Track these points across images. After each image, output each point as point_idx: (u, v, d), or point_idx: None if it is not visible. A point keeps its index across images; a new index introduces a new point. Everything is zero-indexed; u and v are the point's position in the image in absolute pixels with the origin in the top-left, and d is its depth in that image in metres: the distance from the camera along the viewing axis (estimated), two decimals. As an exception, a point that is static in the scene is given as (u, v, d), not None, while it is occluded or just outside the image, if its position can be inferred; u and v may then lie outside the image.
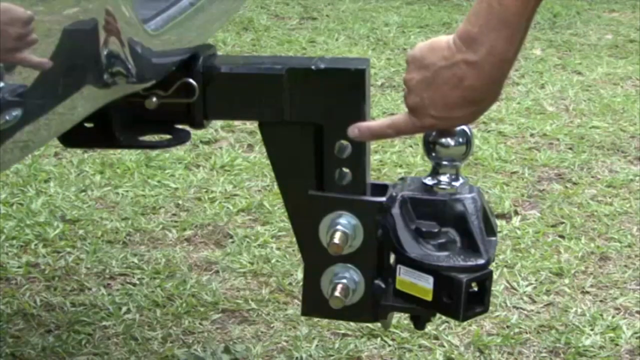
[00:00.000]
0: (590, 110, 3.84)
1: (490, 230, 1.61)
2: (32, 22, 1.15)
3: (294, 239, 1.74)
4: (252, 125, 3.47)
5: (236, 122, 3.53)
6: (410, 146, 3.41)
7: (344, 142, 1.61)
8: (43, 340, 2.28)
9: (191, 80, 1.61)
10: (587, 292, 2.54)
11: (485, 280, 1.56)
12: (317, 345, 2.28)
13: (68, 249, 2.69)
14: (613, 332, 2.36)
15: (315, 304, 1.67)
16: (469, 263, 1.54)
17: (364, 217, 1.60)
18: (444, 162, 1.60)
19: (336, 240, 1.58)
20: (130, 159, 3.23)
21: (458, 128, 1.57)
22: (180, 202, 2.98)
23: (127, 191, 3.03)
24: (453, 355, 2.26)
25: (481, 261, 1.55)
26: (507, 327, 2.37)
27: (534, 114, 3.80)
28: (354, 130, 1.56)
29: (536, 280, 2.58)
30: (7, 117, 1.15)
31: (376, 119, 1.56)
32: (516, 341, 2.32)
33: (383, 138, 1.51)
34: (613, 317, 2.42)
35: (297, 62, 1.65)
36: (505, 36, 1.37)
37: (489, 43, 1.37)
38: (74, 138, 1.65)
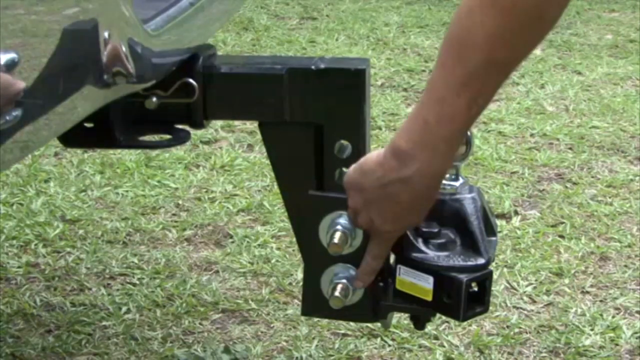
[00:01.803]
0: (590, 110, 3.84)
1: (490, 230, 1.61)
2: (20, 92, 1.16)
3: (294, 239, 1.74)
4: (252, 125, 3.47)
5: (236, 122, 3.53)
6: (410, 146, 3.40)
7: (344, 142, 1.61)
8: (43, 340, 2.28)
9: (191, 80, 1.61)
10: (587, 292, 2.54)
11: (485, 280, 1.56)
12: (317, 345, 2.28)
13: (68, 249, 2.69)
14: (613, 332, 2.36)
15: (315, 304, 1.67)
16: (469, 263, 1.54)
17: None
18: (444, 162, 1.60)
19: (336, 240, 1.58)
20: (130, 159, 3.23)
21: None
22: (180, 202, 2.98)
23: (127, 191, 3.03)
24: (453, 355, 2.26)
25: (481, 261, 1.55)
26: (507, 327, 2.37)
27: (534, 114, 3.80)
28: (358, 284, 1.61)
29: (536, 280, 2.58)
30: (7, 117, 1.15)
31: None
32: (516, 341, 2.32)
33: (376, 271, 1.57)
34: (613, 317, 2.42)
35: (297, 62, 1.65)
36: (442, 153, 1.39)
37: (423, 160, 1.39)
38: (74, 138, 1.66)
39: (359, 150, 1.61)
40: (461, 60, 1.32)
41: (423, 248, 1.56)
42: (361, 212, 1.51)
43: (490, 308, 1.79)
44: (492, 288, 1.68)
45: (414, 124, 1.38)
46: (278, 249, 2.70)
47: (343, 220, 1.59)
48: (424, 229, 1.56)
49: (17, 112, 1.16)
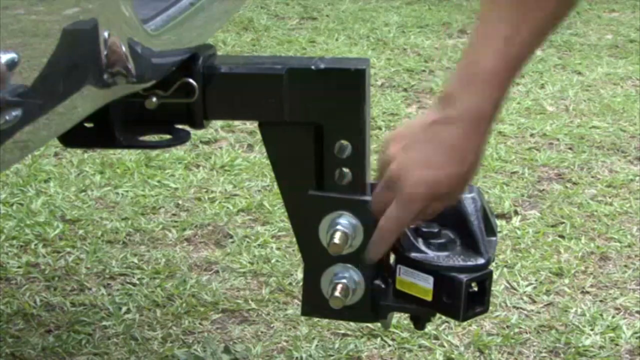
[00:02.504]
0: (590, 110, 3.84)
1: (490, 230, 1.61)
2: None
3: (294, 239, 1.74)
4: (252, 125, 3.47)
5: (236, 122, 3.54)
6: (410, 146, 3.40)
7: (344, 142, 1.61)
8: (43, 340, 2.28)
9: (191, 80, 1.61)
10: (587, 292, 2.54)
11: (485, 280, 1.56)
12: (317, 345, 2.28)
13: (68, 249, 2.69)
14: (613, 332, 2.36)
15: (315, 304, 1.66)
16: (469, 263, 1.54)
17: (364, 217, 1.60)
18: (444, 162, 1.60)
19: (336, 240, 1.58)
20: (130, 159, 3.23)
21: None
22: (180, 202, 2.98)
23: (127, 191, 3.03)
24: (453, 355, 2.26)
25: (481, 261, 1.55)
26: (507, 327, 2.37)
27: (534, 114, 3.80)
28: (369, 256, 1.56)
29: (536, 280, 2.58)
30: (7, 117, 1.15)
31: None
32: (516, 341, 2.32)
33: (389, 242, 1.53)
34: (613, 317, 2.42)
35: (297, 62, 1.65)
36: (484, 94, 1.37)
37: (466, 99, 1.38)
38: (74, 138, 1.65)
39: (359, 150, 1.61)
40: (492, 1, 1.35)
41: (423, 248, 1.56)
42: (395, 158, 1.44)
43: (490, 308, 1.79)
44: (492, 288, 1.68)
45: (459, 66, 1.39)
46: (278, 249, 2.71)
47: (343, 220, 1.59)
48: (424, 229, 1.56)
49: (17, 112, 1.16)
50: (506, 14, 1.34)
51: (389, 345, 2.29)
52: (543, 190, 3.13)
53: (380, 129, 3.59)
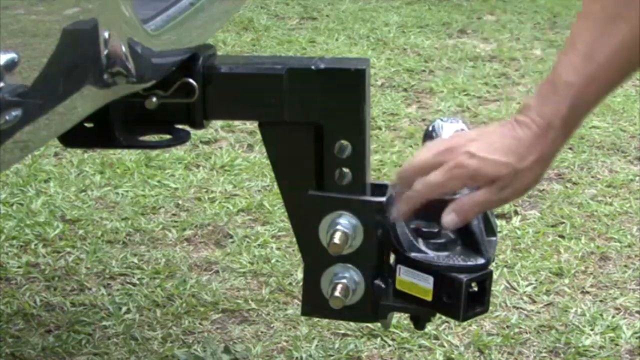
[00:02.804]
0: (590, 110, 3.83)
1: (490, 230, 1.61)
2: None
3: (294, 239, 1.74)
4: (252, 125, 3.47)
5: (236, 122, 3.54)
6: (410, 146, 3.41)
7: (344, 142, 1.61)
8: (43, 340, 2.28)
9: (191, 80, 1.61)
10: (587, 292, 2.54)
11: (485, 280, 1.56)
12: (317, 345, 2.28)
13: (68, 249, 2.69)
14: (613, 332, 2.36)
15: (315, 304, 1.66)
16: (469, 263, 1.54)
17: (364, 217, 1.60)
18: (444, 162, 1.59)
19: (336, 240, 1.58)
20: (130, 159, 3.23)
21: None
22: (180, 202, 2.98)
23: (127, 191, 3.03)
24: (453, 355, 2.26)
25: (481, 261, 1.55)
26: (507, 327, 2.37)
27: (534, 114, 3.79)
28: (393, 217, 1.55)
29: (536, 280, 2.58)
30: (7, 117, 1.15)
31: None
32: (516, 341, 2.32)
33: (415, 200, 1.48)
34: (613, 317, 2.42)
35: (297, 62, 1.65)
36: (554, 104, 1.38)
37: (538, 106, 1.40)
38: (74, 138, 1.65)
39: (359, 150, 1.61)
40: (582, 15, 1.36)
41: (423, 248, 1.56)
42: (464, 134, 1.49)
43: (490, 308, 1.79)
44: (492, 288, 1.68)
45: (549, 74, 1.41)
46: (278, 249, 2.71)
47: (343, 220, 1.59)
48: (424, 229, 1.56)
49: (17, 112, 1.16)
50: (588, 29, 1.35)
51: (389, 345, 2.29)
52: (543, 190, 3.13)
53: (380, 129, 3.59)
